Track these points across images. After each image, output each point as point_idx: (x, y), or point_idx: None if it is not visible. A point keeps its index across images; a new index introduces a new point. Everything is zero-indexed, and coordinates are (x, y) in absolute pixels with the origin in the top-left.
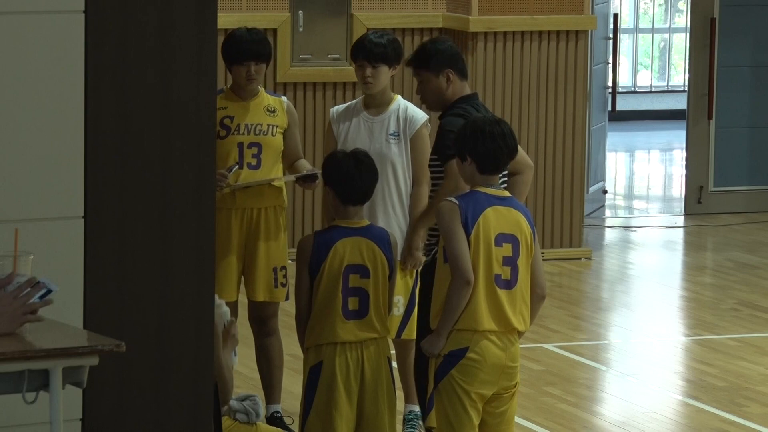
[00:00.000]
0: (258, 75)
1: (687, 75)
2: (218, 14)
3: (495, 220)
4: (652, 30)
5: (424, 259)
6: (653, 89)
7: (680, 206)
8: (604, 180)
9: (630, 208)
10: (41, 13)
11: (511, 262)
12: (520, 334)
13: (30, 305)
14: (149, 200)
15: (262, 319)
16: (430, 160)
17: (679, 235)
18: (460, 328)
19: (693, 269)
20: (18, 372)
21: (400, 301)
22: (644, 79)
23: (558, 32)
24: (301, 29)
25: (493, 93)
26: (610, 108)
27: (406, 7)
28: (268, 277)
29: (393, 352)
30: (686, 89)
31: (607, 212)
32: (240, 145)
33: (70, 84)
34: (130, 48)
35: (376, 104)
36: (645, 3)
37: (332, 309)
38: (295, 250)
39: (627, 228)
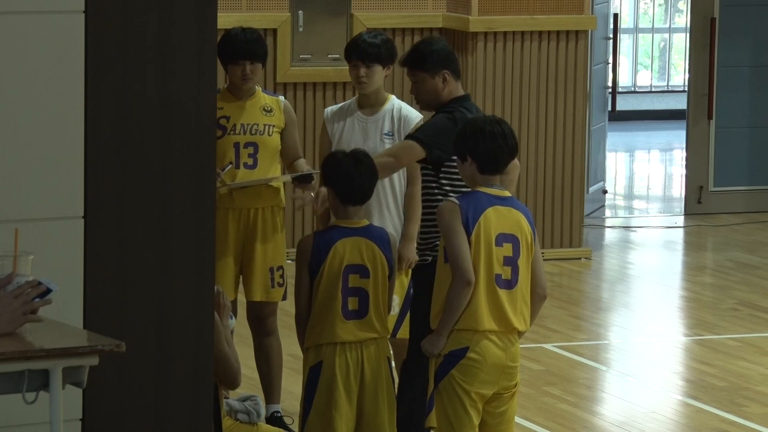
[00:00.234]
0: (253, 75)
1: (687, 75)
2: (218, 14)
3: (496, 220)
4: (652, 30)
5: (417, 258)
6: (653, 89)
7: (680, 206)
8: (604, 180)
9: (630, 208)
10: (41, 13)
11: (511, 262)
12: (520, 334)
13: (30, 305)
14: (149, 200)
15: (259, 318)
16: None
17: (679, 235)
18: (460, 328)
19: (693, 269)
20: (18, 372)
21: (395, 301)
22: (644, 79)
23: (558, 32)
24: (301, 29)
25: (493, 93)
26: (610, 108)
27: (406, 7)
28: (264, 277)
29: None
30: (686, 89)
31: (607, 212)
32: (236, 144)
33: (70, 84)
34: (130, 48)
35: (370, 104)
36: (645, 3)
37: (332, 309)
38: (294, 250)
39: (627, 228)
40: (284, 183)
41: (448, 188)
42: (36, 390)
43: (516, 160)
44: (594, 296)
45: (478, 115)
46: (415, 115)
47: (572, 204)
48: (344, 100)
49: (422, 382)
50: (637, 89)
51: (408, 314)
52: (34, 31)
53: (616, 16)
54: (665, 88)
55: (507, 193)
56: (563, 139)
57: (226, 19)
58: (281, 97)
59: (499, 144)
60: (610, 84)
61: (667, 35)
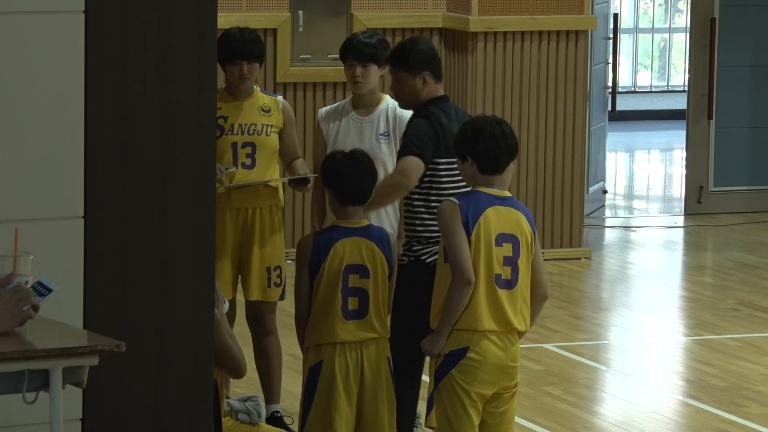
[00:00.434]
0: (251, 74)
1: (687, 75)
2: (218, 14)
3: (495, 220)
4: (652, 30)
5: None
6: (653, 89)
7: (680, 206)
8: (604, 180)
9: (630, 208)
10: (41, 13)
11: (511, 262)
12: (520, 334)
13: (30, 300)
14: (149, 200)
15: (258, 317)
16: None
17: (679, 235)
18: (460, 328)
19: (693, 269)
20: (18, 372)
21: None
22: (644, 79)
23: (558, 32)
24: (301, 29)
25: (493, 93)
26: (610, 108)
27: (406, 7)
28: (261, 277)
29: None
30: (686, 89)
31: (607, 212)
32: (234, 145)
33: (70, 84)
34: (130, 48)
35: (365, 104)
36: (645, 3)
37: (332, 309)
38: (294, 250)
39: (627, 228)
40: (282, 183)
41: (428, 191)
42: (36, 390)
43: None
44: (594, 296)
45: (456, 115)
46: (409, 115)
47: (572, 204)
48: (342, 101)
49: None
50: (637, 89)
51: None
52: (34, 31)
53: (616, 16)
54: (665, 88)
55: (507, 193)
56: (563, 139)
57: (226, 19)
58: (280, 97)
59: (499, 144)
60: (610, 84)
61: (667, 35)
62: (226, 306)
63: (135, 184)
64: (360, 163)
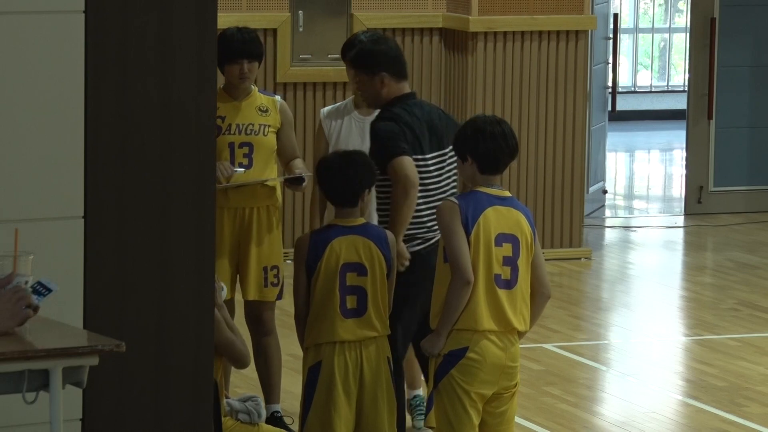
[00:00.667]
0: (250, 74)
1: (687, 75)
2: (218, 14)
3: (495, 220)
4: (652, 30)
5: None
6: (653, 89)
7: (680, 206)
8: (604, 180)
9: (630, 208)
10: (41, 13)
11: (511, 262)
12: (520, 334)
13: (30, 299)
14: (149, 200)
15: (256, 316)
16: None
17: (679, 235)
18: (459, 328)
19: (693, 269)
20: (18, 372)
21: None
22: (644, 79)
23: (558, 32)
24: (301, 29)
25: (493, 93)
26: (610, 108)
27: (406, 7)
28: (258, 277)
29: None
30: (686, 89)
31: (607, 212)
32: (231, 144)
33: (70, 84)
34: (130, 48)
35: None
36: (645, 3)
37: (330, 307)
38: (292, 249)
39: (627, 228)
40: (280, 183)
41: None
42: (36, 390)
43: None
44: (594, 296)
45: (421, 111)
46: None
47: (572, 204)
48: (344, 100)
49: None
50: (637, 89)
51: None
52: (34, 31)
53: (616, 16)
54: (665, 88)
55: (507, 193)
56: (563, 139)
57: (226, 19)
58: (277, 97)
59: (499, 144)
60: (610, 84)
61: (667, 35)
62: (224, 293)
63: (135, 184)
64: (351, 165)
